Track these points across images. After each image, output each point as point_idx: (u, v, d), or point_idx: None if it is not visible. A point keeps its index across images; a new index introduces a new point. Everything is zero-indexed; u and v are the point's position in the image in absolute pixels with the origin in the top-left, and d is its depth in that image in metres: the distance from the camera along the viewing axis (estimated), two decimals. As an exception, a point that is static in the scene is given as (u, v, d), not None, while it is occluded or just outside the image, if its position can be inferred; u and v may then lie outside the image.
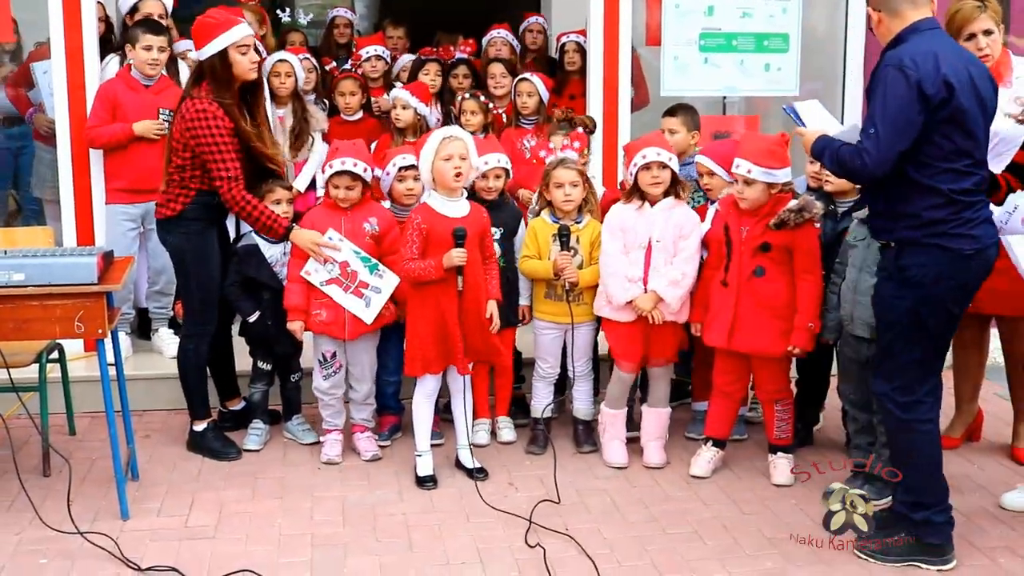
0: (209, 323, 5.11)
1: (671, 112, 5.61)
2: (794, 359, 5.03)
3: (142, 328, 6.36)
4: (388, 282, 4.99)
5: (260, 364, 5.33)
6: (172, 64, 6.15)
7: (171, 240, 5.06)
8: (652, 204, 4.92)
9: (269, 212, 4.97)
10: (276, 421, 5.49)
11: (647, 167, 4.88)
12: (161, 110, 5.86)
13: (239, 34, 4.87)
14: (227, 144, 4.85)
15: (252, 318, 5.19)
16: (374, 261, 4.99)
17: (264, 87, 5.23)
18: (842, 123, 5.15)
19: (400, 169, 5.19)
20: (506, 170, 5.24)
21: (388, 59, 7.10)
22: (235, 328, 5.49)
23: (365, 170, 5.01)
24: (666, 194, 4.91)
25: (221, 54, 4.85)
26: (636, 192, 4.94)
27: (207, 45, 4.84)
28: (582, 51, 6.79)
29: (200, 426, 5.20)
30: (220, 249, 5.15)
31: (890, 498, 4.52)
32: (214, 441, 5.17)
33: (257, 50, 5.09)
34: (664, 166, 4.88)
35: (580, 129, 5.34)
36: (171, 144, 4.98)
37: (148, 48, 5.82)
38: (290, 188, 5.31)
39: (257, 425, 5.32)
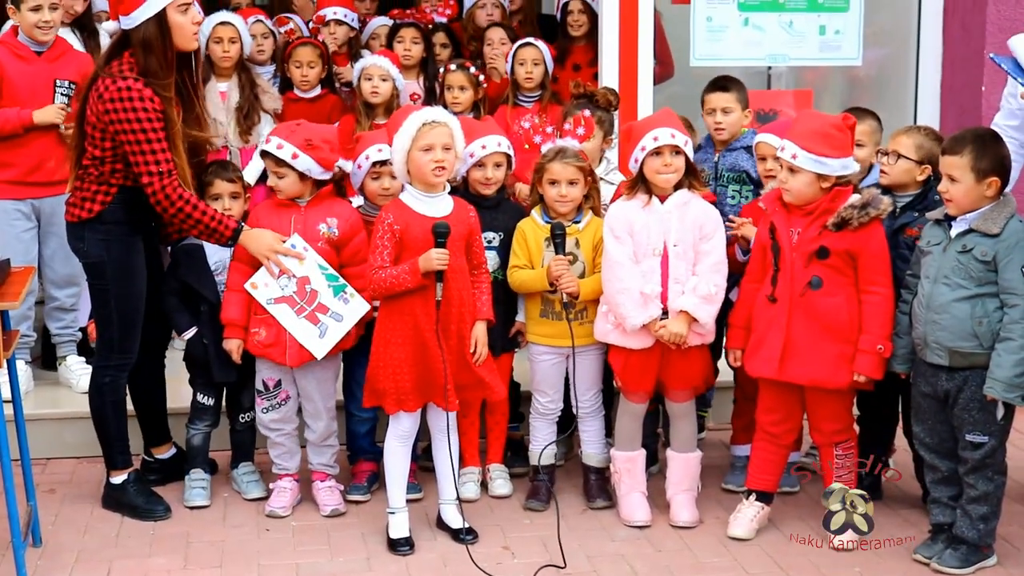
0: (130, 352, 5.04)
1: (721, 87, 5.52)
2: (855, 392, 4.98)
3: (46, 356, 6.30)
4: (355, 309, 4.94)
5: (200, 398, 5.28)
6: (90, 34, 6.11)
7: (86, 249, 4.96)
8: (661, 200, 4.87)
9: (212, 211, 4.90)
10: (215, 471, 5.45)
11: (657, 152, 4.82)
12: (58, 82, 5.78)
13: None
14: (157, 132, 4.72)
15: (187, 335, 5.17)
16: (342, 281, 4.95)
17: (200, 57, 5.11)
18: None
19: (375, 164, 5.14)
20: (508, 157, 5.19)
21: (353, 24, 7.05)
22: (170, 354, 5.44)
23: (295, 156, 4.92)
24: (677, 187, 4.87)
25: (157, 18, 4.69)
26: (641, 184, 4.89)
27: (137, 10, 4.67)
28: (590, 11, 6.76)
29: (119, 478, 5.11)
30: (148, 260, 5.07)
31: (977, 566, 4.53)
32: (137, 496, 5.10)
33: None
34: (678, 151, 4.83)
35: (587, 112, 5.27)
36: (83, 129, 4.86)
37: (37, 8, 5.70)
38: (234, 180, 5.25)
39: (199, 475, 5.27)
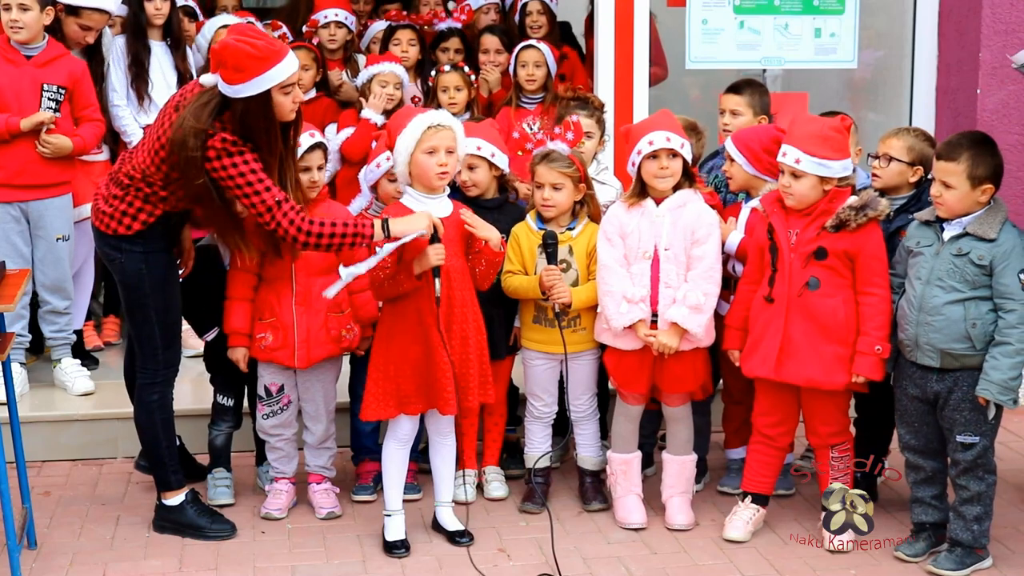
0: (174, 364, 4.95)
1: (735, 89, 5.54)
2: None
3: (35, 352, 6.28)
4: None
5: (220, 399, 5.29)
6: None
7: (124, 261, 4.77)
8: (657, 202, 4.89)
9: (341, 225, 4.63)
10: (202, 476, 5.41)
11: (653, 156, 4.84)
12: (46, 87, 5.77)
13: (286, 72, 4.50)
14: (258, 171, 4.51)
15: (210, 336, 5.17)
16: None
17: (299, 122, 4.84)
18: None
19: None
20: (485, 160, 5.12)
21: (351, 27, 7.05)
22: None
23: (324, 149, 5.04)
24: (677, 188, 4.89)
25: (260, 97, 4.50)
26: (640, 188, 4.91)
27: (242, 84, 4.45)
28: (549, 12, 6.79)
29: (175, 499, 4.96)
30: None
31: (973, 568, 4.56)
32: (199, 516, 4.95)
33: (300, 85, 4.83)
34: (675, 154, 4.85)
35: (574, 117, 5.26)
36: (153, 145, 4.61)
37: (7, 8, 5.70)
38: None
39: (222, 474, 5.30)
